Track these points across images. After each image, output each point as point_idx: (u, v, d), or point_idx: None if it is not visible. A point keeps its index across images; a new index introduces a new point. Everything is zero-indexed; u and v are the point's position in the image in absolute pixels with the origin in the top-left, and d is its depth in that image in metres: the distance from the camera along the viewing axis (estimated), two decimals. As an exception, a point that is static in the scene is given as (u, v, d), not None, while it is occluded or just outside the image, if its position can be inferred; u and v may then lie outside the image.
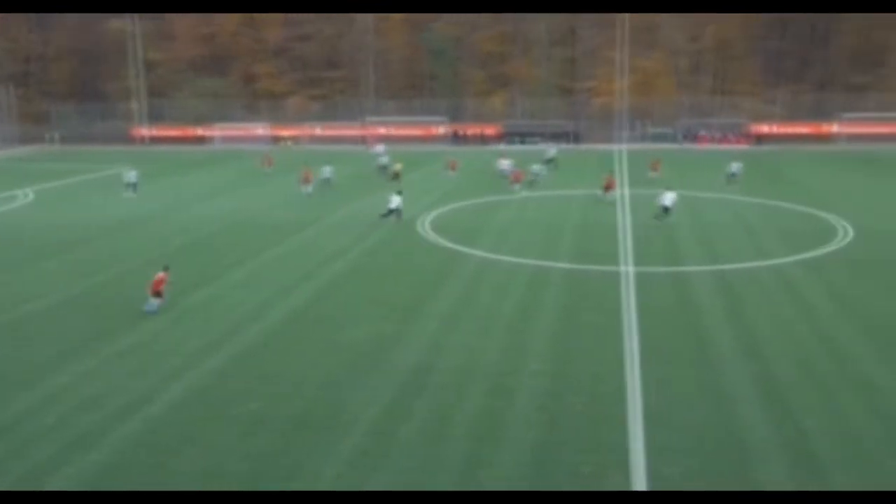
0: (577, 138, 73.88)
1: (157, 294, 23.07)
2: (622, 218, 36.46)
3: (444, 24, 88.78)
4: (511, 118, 79.75)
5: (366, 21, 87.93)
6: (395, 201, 36.40)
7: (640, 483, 13.46)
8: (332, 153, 68.07)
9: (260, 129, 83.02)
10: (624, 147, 68.68)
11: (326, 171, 48.12)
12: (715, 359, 19.05)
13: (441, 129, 78.60)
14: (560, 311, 23.00)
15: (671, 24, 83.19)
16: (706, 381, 17.68)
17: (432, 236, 33.42)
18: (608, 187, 41.51)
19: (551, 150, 57.95)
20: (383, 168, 52.51)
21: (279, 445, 14.91)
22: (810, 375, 18.00)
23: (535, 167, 48.57)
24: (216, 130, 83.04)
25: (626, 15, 69.02)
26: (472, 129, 78.37)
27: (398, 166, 50.82)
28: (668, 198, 35.73)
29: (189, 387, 17.79)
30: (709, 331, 21.07)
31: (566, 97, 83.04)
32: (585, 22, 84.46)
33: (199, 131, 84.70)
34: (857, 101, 70.16)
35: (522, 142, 73.28)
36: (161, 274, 23.44)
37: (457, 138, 77.67)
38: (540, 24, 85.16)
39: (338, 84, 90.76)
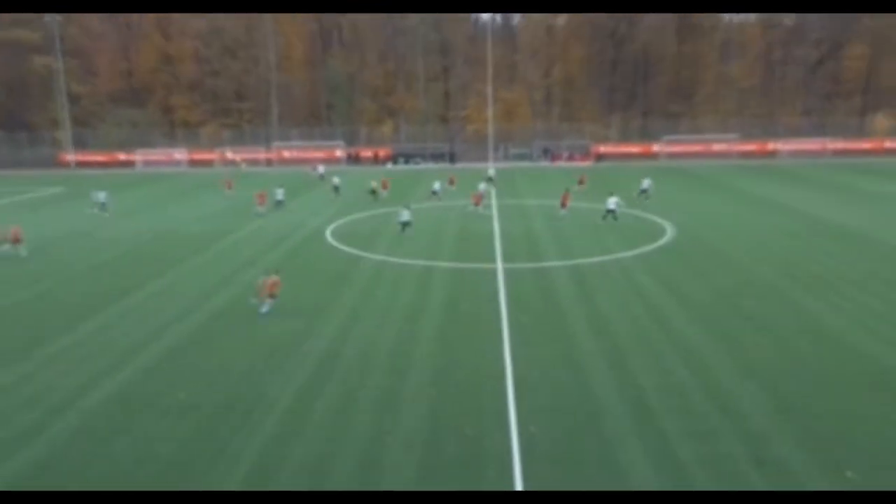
0: (453, 158, 74.87)
1: (272, 296, 22.24)
2: (496, 225, 37.17)
3: (339, 62, 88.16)
4: (397, 142, 80.00)
5: (268, 59, 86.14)
6: (405, 215, 33.99)
7: (513, 438, 13.90)
8: (283, 175, 66.21)
9: (177, 154, 79.69)
10: (491, 165, 70.09)
11: (279, 193, 44.71)
12: (572, 336, 19.81)
13: (339, 152, 77.86)
14: (445, 303, 23.30)
15: (527, 64, 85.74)
16: (565, 355, 18.39)
17: (336, 243, 33.14)
18: (563, 203, 39.12)
19: (491, 170, 57.27)
20: (335, 188, 49.54)
21: (206, 429, 14.52)
22: (645, 344, 19.02)
23: (482, 185, 46.81)
24: (138, 155, 79.21)
25: (490, 55, 70.47)
26: (365, 152, 78.08)
27: (374, 184, 47.81)
28: (612, 202, 36.81)
29: (120, 382, 17.02)
30: (566, 314, 21.86)
31: (444, 124, 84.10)
32: (458, 60, 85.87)
33: (123, 156, 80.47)
34: (674, 126, 74.24)
35: (407, 162, 73.67)
36: (274, 278, 22.51)
37: (351, 159, 77.18)
38: (418, 63, 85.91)
39: (246, 114, 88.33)
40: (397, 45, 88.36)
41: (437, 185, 47.24)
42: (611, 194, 37.69)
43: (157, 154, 79.16)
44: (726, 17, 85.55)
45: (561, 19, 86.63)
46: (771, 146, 70.93)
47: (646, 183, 44.55)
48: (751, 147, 70.47)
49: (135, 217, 42.68)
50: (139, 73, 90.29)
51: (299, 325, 20.93)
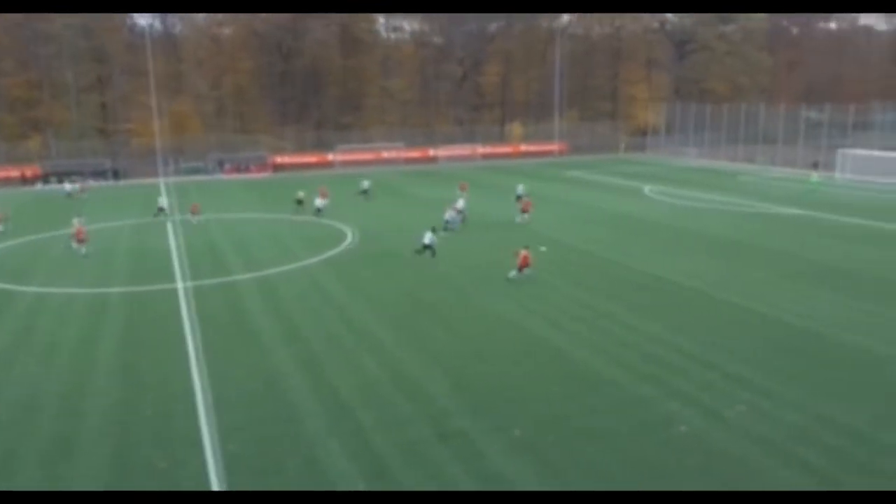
0: (117, 175, 68.21)
1: (525, 266, 25.92)
2: (173, 241, 34.80)
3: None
4: (48, 159, 70.24)
5: None
6: (428, 237, 30.10)
7: (209, 462, 13.25)
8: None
9: None
10: (160, 180, 65.46)
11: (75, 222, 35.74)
12: (264, 347, 19.50)
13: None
14: (123, 330, 21.23)
15: (194, 74, 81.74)
16: (259, 367, 18.04)
17: (-25, 279, 27.99)
18: (524, 209, 38.77)
19: (365, 183, 51.86)
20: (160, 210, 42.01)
21: None
22: (337, 346, 19.54)
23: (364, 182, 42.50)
24: None
25: (152, 64, 65.66)
26: (7, 171, 66.88)
27: (301, 194, 44.18)
28: (428, 236, 30.87)
29: None
30: (257, 326, 21.44)
31: (104, 138, 76.05)
32: (115, 70, 78.36)
33: None
34: (347, 136, 77.15)
35: (60, 181, 64.94)
36: (524, 251, 26.06)
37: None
38: (67, 72, 76.49)
39: None
40: (40, 52, 77.57)
41: (163, 201, 43.37)
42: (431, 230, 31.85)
43: None
44: (383, 34, 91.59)
45: (226, 30, 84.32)
46: (432, 152, 77.74)
47: (520, 188, 45.51)
48: (415, 154, 76.42)
49: None
50: None
51: (-66, 381, 17.31)
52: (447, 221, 35.96)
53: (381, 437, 14.20)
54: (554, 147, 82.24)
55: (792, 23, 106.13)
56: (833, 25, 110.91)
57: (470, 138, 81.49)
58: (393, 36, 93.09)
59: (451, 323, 21.47)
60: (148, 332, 21.03)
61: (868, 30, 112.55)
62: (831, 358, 18.12)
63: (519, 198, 43.54)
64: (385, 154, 75.67)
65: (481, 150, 79.03)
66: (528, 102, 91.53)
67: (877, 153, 55.13)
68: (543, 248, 26.98)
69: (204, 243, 34.32)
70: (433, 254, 29.61)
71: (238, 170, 70.16)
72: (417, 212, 43.21)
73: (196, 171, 70.37)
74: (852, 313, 21.68)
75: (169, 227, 39.07)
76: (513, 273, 26.18)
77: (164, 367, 18.12)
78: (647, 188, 51.21)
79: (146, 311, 23.29)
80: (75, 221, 35.84)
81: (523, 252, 26.26)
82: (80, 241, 32.57)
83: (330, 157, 74.39)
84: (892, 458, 13.16)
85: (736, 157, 69.50)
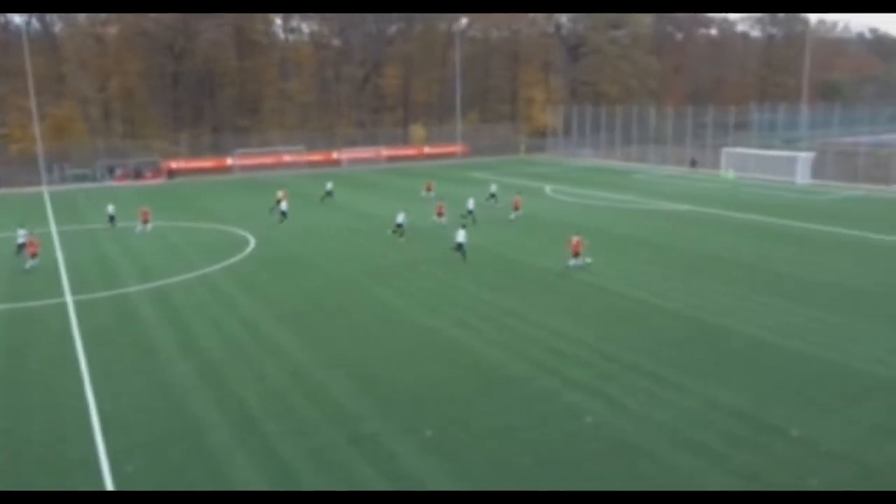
0: (-7, 183, 63.58)
1: (577, 254, 26.88)
2: (59, 254, 32.75)
3: None
4: None
5: None
6: (461, 235, 29.78)
7: (108, 485, 12.64)
8: None
9: None
10: (44, 188, 61.57)
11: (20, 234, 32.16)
12: (162, 362, 18.74)
13: None
14: (7, 350, 19.85)
15: (77, 76, 77.28)
16: (157, 382, 17.32)
17: None
18: (516, 207, 39.23)
19: (329, 184, 49.74)
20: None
21: None
22: (240, 355, 19.04)
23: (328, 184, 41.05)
24: None
25: (30, 65, 61.56)
26: None
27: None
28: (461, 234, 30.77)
29: None
30: (154, 340, 20.57)
31: (-24, 144, 70.67)
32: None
33: None
34: (245, 140, 75.11)
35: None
36: (577, 238, 27.32)
37: None
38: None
39: None
40: None
41: (111, 209, 40.20)
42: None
43: None
44: (281, 36, 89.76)
45: (111, 29, 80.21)
46: (335, 155, 76.89)
47: (493, 187, 45.85)
48: (317, 157, 75.34)
49: None
50: None
51: None
52: (398, 224, 35.08)
53: (289, 445, 13.96)
54: (456, 149, 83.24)
55: (676, 28, 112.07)
56: (713, 32, 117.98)
57: (372, 141, 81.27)
58: (291, 37, 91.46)
59: (357, 326, 21.37)
60: (34, 351, 19.75)
61: (745, 36, 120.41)
62: (719, 345, 19.29)
63: (492, 196, 44.90)
64: (287, 157, 74.24)
65: (385, 152, 78.97)
66: (429, 104, 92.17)
67: (754, 151, 59.13)
68: (589, 260, 27.50)
69: (94, 255, 32.55)
70: (464, 254, 29.38)
71: (130, 176, 66.95)
72: (321, 214, 42.66)
73: (83, 178, 66.65)
74: (738, 301, 23.16)
75: (55, 237, 36.77)
76: (571, 262, 27.49)
77: (54, 388, 17.09)
78: (548, 188, 52.71)
79: (31, 328, 21.87)
80: (22, 232, 32.82)
81: (575, 239, 27.72)
82: (33, 254, 30.04)
83: (229, 161, 72.22)
84: (774, 434, 14.17)
85: (629, 157, 72.65)
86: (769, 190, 50.40)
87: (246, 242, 34.68)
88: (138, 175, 67.30)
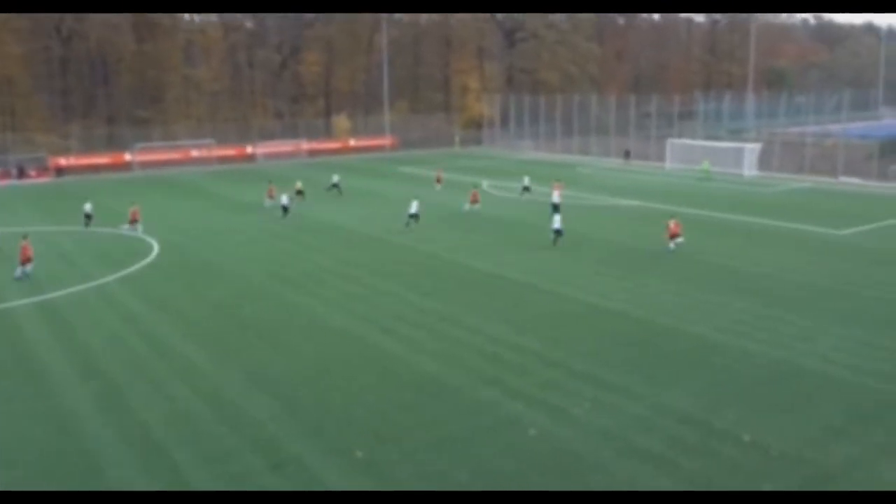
0: None
1: (674, 236, 29.54)
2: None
3: None
4: None
5: None
6: (414, 206, 36.11)
7: (-8, 527, 12.06)
8: None
9: None
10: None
11: None
12: (54, 387, 17.98)
13: None
14: None
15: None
16: (47, 411, 16.59)
17: None
18: (474, 200, 41.83)
19: (335, 177, 50.63)
20: None
21: None
22: (144, 375, 18.46)
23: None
24: None
25: None
26: None
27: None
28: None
29: None
30: (43, 362, 19.70)
31: None
32: None
33: None
34: (146, 133, 72.95)
35: None
36: (674, 221, 29.95)
37: None
38: None
39: None
40: None
41: (88, 207, 38.89)
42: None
43: None
44: (186, 16, 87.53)
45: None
46: (250, 150, 75.51)
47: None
48: (229, 152, 73.81)
49: None
50: None
51: None
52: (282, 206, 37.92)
53: (203, 474, 13.63)
54: (385, 141, 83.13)
55: (617, 13, 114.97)
56: (656, 17, 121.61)
57: (292, 133, 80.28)
58: (197, 19, 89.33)
59: (275, 338, 21.06)
60: None
61: (689, 21, 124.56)
62: (667, 347, 19.87)
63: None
64: (194, 153, 72.51)
65: (306, 146, 78.13)
66: (354, 93, 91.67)
67: (700, 143, 61.23)
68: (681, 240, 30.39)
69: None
70: (558, 237, 31.81)
71: (11, 175, 64.06)
72: (232, 216, 41.87)
73: (-46, 178, 63.47)
74: (685, 300, 23.94)
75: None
76: (672, 245, 30.11)
77: (-78, 419, 16.18)
78: (485, 183, 53.18)
79: None
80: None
81: (672, 222, 30.41)
82: (27, 260, 28.32)
83: (127, 157, 70.02)
84: (722, 439, 14.70)
85: (571, 149, 74.08)
86: (717, 183, 52.28)
87: (149, 248, 33.72)
88: (21, 174, 64.44)
